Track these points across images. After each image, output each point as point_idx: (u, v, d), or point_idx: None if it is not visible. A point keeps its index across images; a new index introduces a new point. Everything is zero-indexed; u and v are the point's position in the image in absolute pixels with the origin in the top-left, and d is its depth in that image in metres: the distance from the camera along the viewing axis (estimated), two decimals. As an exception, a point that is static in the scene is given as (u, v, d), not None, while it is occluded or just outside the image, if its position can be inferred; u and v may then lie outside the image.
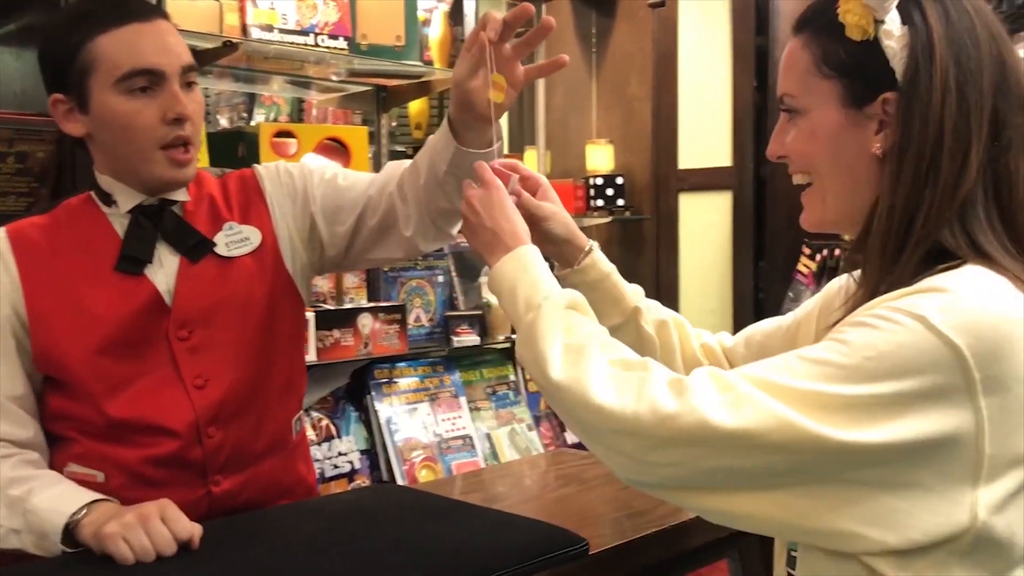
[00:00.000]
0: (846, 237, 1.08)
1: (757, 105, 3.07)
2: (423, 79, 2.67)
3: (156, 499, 1.19)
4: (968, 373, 0.82)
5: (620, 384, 0.91)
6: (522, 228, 1.11)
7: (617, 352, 0.97)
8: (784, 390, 0.85)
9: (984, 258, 0.90)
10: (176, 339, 1.34)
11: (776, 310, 3.02)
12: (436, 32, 3.63)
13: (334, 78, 2.65)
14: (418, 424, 2.71)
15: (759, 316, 3.40)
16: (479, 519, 1.30)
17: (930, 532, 0.83)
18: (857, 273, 1.17)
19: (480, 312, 2.86)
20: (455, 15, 4.20)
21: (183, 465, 1.34)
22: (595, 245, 1.26)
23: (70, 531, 1.17)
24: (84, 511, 1.18)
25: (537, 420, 3.08)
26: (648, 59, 3.26)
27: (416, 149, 3.35)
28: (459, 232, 1.38)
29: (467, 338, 2.78)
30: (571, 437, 3.24)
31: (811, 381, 0.84)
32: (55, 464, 1.33)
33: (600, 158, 3.31)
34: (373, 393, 2.67)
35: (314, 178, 1.49)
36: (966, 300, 0.85)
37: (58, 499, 1.21)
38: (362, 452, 2.62)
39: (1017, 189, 0.93)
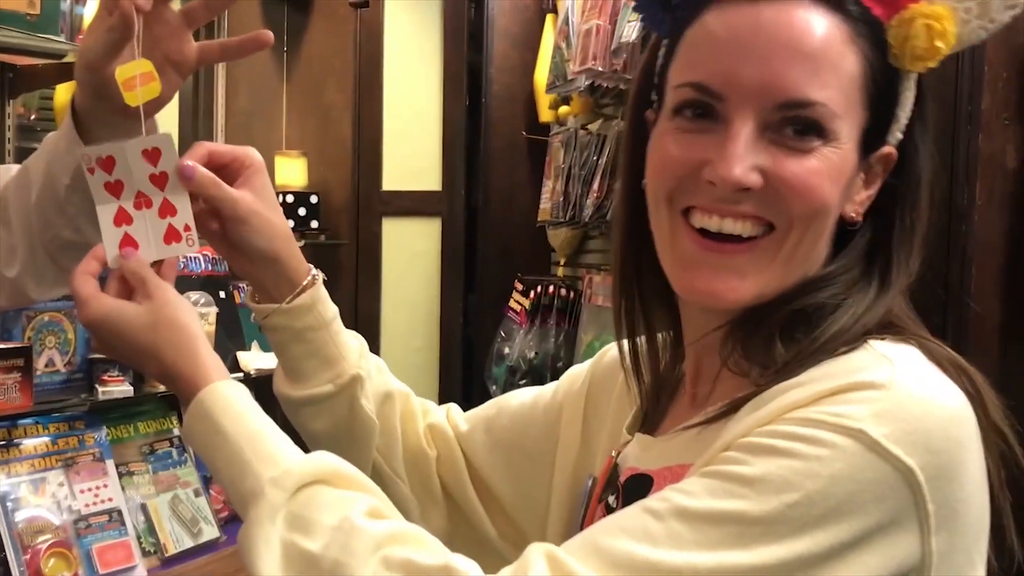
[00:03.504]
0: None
1: (469, 127, 2.87)
2: (65, 60, 2.15)
3: None
4: (921, 502, 0.62)
5: None
6: (183, 346, 0.76)
7: (398, 546, 0.65)
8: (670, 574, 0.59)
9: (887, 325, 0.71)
10: None
11: (486, 349, 2.87)
12: (92, 11, 3.10)
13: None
14: (47, 499, 2.17)
15: (468, 355, 3.26)
16: None
17: None
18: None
19: (136, 354, 2.35)
20: (118, -6, 3.66)
21: None
22: (319, 276, 0.90)
23: None
24: None
25: (207, 482, 2.61)
26: (348, 64, 3.03)
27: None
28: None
29: (116, 387, 2.30)
30: (249, 499, 2.79)
31: (709, 551, 0.59)
32: None
33: (291, 172, 3.00)
34: (-17, 461, 2.09)
35: None
36: (908, 397, 0.63)
37: None
38: (-36, 541, 2.03)
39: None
